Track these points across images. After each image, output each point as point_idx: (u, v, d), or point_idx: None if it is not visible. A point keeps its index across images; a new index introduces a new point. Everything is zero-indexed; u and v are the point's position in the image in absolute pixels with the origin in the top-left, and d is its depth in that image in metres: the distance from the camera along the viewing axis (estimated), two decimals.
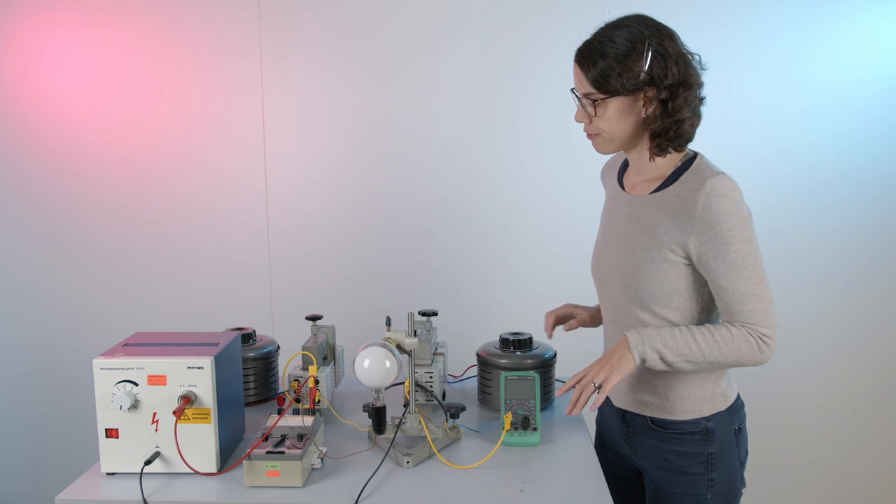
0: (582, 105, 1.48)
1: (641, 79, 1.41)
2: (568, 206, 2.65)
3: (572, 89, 1.51)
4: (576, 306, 1.85)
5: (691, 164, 1.47)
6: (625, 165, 1.65)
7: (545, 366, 1.85)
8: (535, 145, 2.64)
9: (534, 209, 2.66)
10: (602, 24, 1.47)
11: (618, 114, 1.44)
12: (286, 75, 2.65)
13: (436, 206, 2.68)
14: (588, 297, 2.64)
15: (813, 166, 2.58)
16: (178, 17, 2.64)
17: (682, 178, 1.46)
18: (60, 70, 2.70)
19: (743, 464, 1.59)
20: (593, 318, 1.82)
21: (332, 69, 2.65)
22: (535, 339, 1.92)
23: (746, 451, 1.60)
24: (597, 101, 1.44)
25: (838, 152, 2.58)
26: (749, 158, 2.54)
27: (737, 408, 1.57)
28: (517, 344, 1.87)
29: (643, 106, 1.44)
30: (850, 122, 2.57)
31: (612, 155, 1.73)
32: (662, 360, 1.43)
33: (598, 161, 2.60)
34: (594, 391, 1.46)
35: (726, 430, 1.55)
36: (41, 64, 2.70)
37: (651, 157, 1.49)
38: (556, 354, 1.91)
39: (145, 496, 1.40)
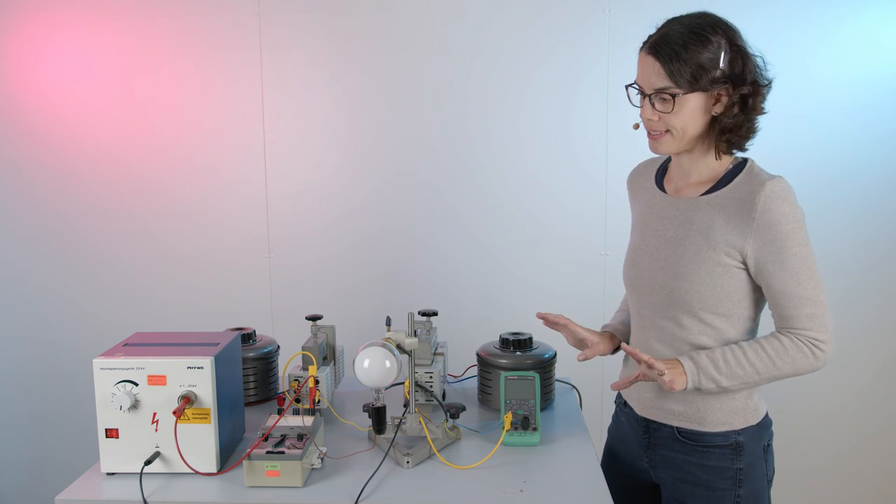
0: (650, 101, 1.43)
1: (719, 75, 1.39)
2: (568, 206, 2.65)
3: (629, 85, 1.48)
4: (579, 327, 1.68)
5: (742, 167, 1.46)
6: (662, 170, 1.61)
7: (545, 366, 1.85)
8: (536, 145, 2.64)
9: (534, 209, 2.66)
10: (666, 19, 1.44)
11: (693, 111, 1.41)
12: (286, 75, 2.65)
13: (436, 206, 2.68)
14: (587, 296, 2.66)
15: (814, 166, 2.58)
16: (177, 17, 2.64)
17: (737, 179, 1.44)
18: (59, 70, 2.70)
19: (770, 482, 1.54)
20: (607, 344, 1.69)
21: (332, 69, 2.65)
22: (535, 339, 1.92)
23: (774, 469, 1.56)
24: (675, 96, 1.40)
25: (840, 153, 2.58)
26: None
27: (766, 424, 1.53)
28: (517, 344, 1.87)
29: (714, 104, 1.42)
30: (851, 123, 2.56)
31: (645, 161, 1.69)
32: (719, 386, 1.41)
33: (597, 161, 2.63)
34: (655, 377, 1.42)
35: (755, 445, 1.50)
36: (40, 64, 2.70)
37: (717, 156, 1.46)
38: (556, 354, 1.91)
39: (145, 496, 1.40)
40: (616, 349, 1.72)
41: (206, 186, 2.72)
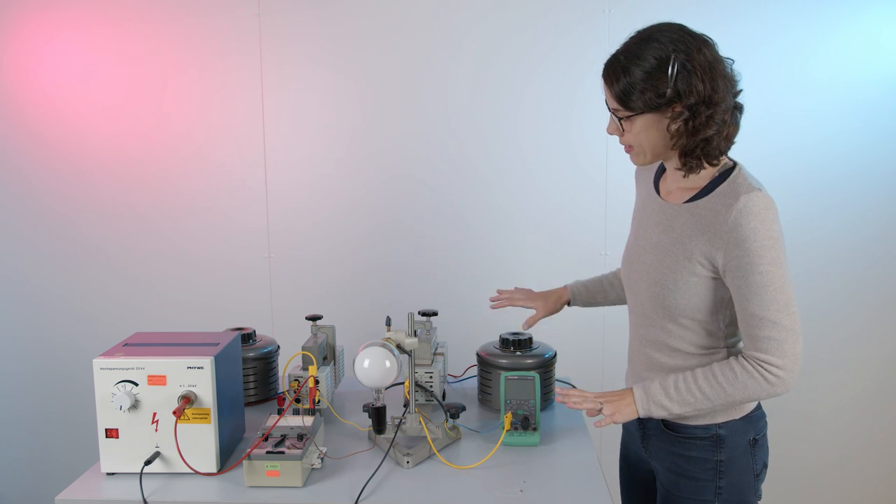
0: (613, 119, 1.45)
1: (668, 95, 1.35)
2: (567, 206, 2.65)
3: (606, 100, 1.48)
4: (532, 294, 1.89)
5: (729, 175, 1.42)
6: (662, 169, 1.60)
7: (545, 366, 1.85)
8: (536, 145, 2.64)
9: (534, 209, 2.66)
10: (631, 34, 1.41)
11: (645, 130, 1.40)
12: (286, 75, 2.65)
13: (436, 206, 2.68)
14: None
15: (814, 167, 2.58)
16: (178, 17, 2.64)
17: (718, 190, 1.40)
18: (61, 70, 2.70)
19: (758, 476, 1.53)
20: (548, 306, 1.86)
21: (332, 69, 2.65)
22: (535, 339, 1.92)
23: (765, 463, 1.54)
24: (623, 117, 1.41)
25: (840, 153, 2.58)
26: (749, 158, 2.49)
27: (754, 418, 1.52)
28: (517, 344, 1.87)
29: (670, 121, 1.38)
30: (851, 123, 2.56)
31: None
32: (671, 413, 1.43)
33: (597, 161, 2.63)
34: (597, 413, 1.48)
35: (739, 439, 1.49)
36: (42, 64, 2.70)
37: (685, 175, 1.44)
38: (556, 354, 1.91)
39: (145, 496, 1.40)
40: (562, 305, 1.88)
41: (205, 186, 2.72)
